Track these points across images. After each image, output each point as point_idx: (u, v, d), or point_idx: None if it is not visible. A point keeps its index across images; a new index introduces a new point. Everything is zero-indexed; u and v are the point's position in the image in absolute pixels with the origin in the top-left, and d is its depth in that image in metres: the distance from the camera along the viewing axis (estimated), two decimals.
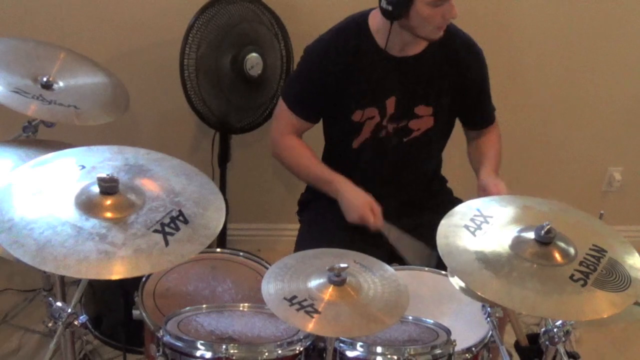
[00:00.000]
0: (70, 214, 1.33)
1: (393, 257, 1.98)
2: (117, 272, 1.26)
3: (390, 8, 1.81)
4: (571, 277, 1.37)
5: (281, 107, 2.06)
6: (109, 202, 1.36)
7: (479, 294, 1.36)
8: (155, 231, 1.34)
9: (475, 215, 1.52)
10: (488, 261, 1.40)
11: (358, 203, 1.91)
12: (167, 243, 1.32)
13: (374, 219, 1.90)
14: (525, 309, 1.33)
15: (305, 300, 1.39)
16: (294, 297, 1.40)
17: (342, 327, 1.37)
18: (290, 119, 2.03)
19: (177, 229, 1.36)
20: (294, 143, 2.05)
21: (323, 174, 2.01)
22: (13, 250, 1.26)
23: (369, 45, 1.94)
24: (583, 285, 1.35)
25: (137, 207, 1.38)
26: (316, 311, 1.36)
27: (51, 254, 1.25)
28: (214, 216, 1.42)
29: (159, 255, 1.30)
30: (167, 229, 1.35)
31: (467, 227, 1.49)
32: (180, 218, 1.38)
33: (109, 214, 1.34)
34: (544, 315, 1.44)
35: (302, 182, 2.15)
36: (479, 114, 2.12)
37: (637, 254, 1.46)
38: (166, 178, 1.48)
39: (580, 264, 1.40)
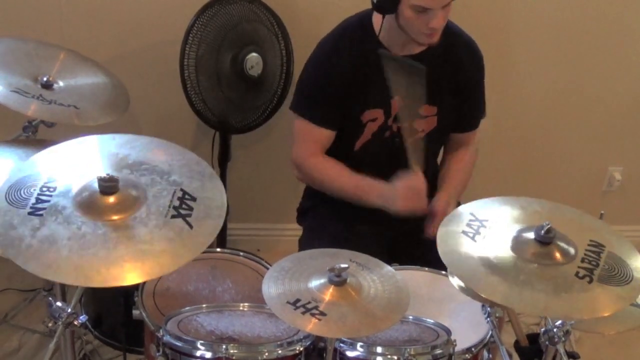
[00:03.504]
0: (84, 222, 1.33)
1: (392, 257, 1.98)
2: (164, 267, 1.29)
3: (376, 2, 1.83)
4: (576, 274, 1.37)
5: (299, 125, 2.00)
6: (110, 200, 1.36)
7: (491, 300, 1.36)
8: (173, 217, 1.36)
9: (470, 220, 1.52)
10: (493, 266, 1.40)
11: (400, 192, 1.87)
12: (190, 225, 1.34)
13: (421, 201, 1.86)
14: (538, 311, 1.33)
15: (309, 302, 1.39)
16: (297, 300, 1.40)
17: (350, 327, 1.37)
18: (312, 133, 1.98)
19: (191, 208, 1.38)
20: (321, 159, 2.00)
21: (360, 181, 1.95)
22: (52, 277, 1.25)
23: (372, 44, 1.94)
24: (589, 282, 1.36)
25: (141, 198, 1.38)
26: (322, 313, 1.36)
27: (92, 270, 1.25)
28: (213, 185, 1.45)
29: (189, 238, 1.33)
30: (182, 212, 1.36)
31: (465, 232, 1.48)
32: (187, 197, 1.40)
33: (117, 215, 1.34)
34: (558, 317, 1.44)
35: (337, 197, 2.03)
36: (465, 118, 2.10)
37: (633, 247, 1.47)
38: (147, 159, 1.48)
39: (582, 260, 1.41)
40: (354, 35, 1.95)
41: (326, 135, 2.00)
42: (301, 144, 2.03)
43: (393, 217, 1.94)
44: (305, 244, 2.09)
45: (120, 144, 1.51)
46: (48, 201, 1.36)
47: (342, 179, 1.98)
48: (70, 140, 1.52)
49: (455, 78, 1.99)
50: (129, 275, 1.27)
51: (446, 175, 2.08)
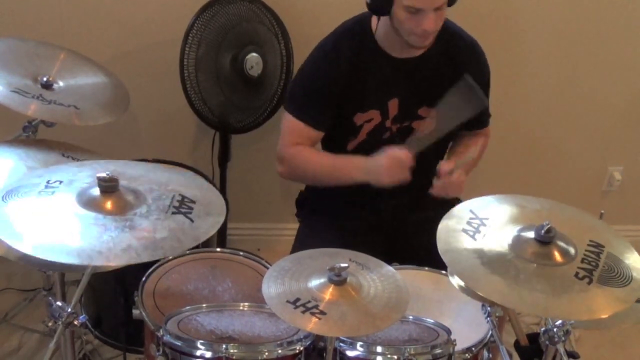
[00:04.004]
0: (85, 214, 1.35)
1: (392, 257, 1.98)
2: (167, 250, 1.33)
3: (369, 2, 1.83)
4: (576, 275, 1.37)
5: (288, 122, 1.99)
6: (109, 201, 1.38)
7: (491, 299, 1.36)
8: (174, 213, 1.39)
9: (471, 218, 1.52)
10: (493, 265, 1.40)
11: (385, 163, 1.85)
12: (191, 220, 1.38)
13: (407, 165, 1.84)
14: (539, 311, 1.33)
15: (309, 302, 1.39)
16: (297, 299, 1.40)
17: (350, 326, 1.37)
18: (301, 131, 1.97)
19: (191, 208, 1.41)
20: (301, 147, 1.99)
21: (339, 159, 1.95)
22: (56, 258, 1.26)
23: (371, 46, 1.94)
24: (589, 283, 1.36)
25: (141, 199, 1.41)
26: (322, 312, 1.36)
27: (94, 250, 1.28)
28: (213, 194, 1.49)
29: (191, 230, 1.36)
30: (183, 210, 1.40)
31: (465, 231, 1.48)
32: (186, 200, 1.43)
33: (118, 211, 1.37)
34: (558, 317, 1.44)
35: (321, 183, 2.04)
36: (474, 118, 2.10)
37: (632, 249, 1.47)
38: (146, 175, 1.51)
39: (582, 261, 1.41)
40: (352, 38, 1.95)
41: (311, 134, 1.99)
42: (287, 138, 2.01)
43: (391, 212, 1.94)
44: (301, 237, 2.09)
45: (117, 165, 1.54)
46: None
47: (321, 160, 1.98)
48: (70, 164, 1.56)
49: (457, 80, 1.98)
50: (131, 255, 1.29)
51: (454, 147, 2.07)
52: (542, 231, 1.41)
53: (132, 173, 1.50)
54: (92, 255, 1.27)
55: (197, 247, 1.46)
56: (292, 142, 2.00)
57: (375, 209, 2.04)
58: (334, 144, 2.03)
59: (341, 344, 1.52)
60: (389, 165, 1.84)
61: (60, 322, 1.44)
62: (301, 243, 1.98)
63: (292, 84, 2.07)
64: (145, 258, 1.29)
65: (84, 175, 1.47)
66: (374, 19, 1.94)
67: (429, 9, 1.77)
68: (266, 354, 1.49)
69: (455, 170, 1.87)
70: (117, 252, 1.28)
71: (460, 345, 1.56)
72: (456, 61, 1.97)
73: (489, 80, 2.07)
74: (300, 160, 2.00)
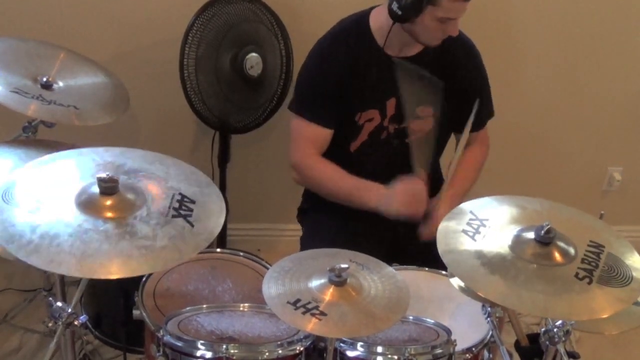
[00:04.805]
0: (85, 220, 1.33)
1: (392, 258, 1.98)
2: (168, 261, 1.32)
3: (399, 12, 1.83)
4: (576, 275, 1.37)
5: (297, 124, 2.00)
6: (109, 202, 1.36)
7: (490, 299, 1.36)
8: (174, 216, 1.37)
9: (470, 219, 1.52)
10: (493, 266, 1.40)
11: (399, 197, 1.88)
12: (192, 225, 1.37)
13: (419, 207, 1.88)
14: (538, 311, 1.33)
15: (309, 303, 1.39)
16: (298, 300, 1.39)
17: (350, 327, 1.37)
18: (310, 132, 1.98)
19: (190, 209, 1.40)
20: (318, 159, 1.99)
21: (358, 182, 1.95)
22: (54, 269, 1.25)
23: (369, 45, 1.94)
24: (589, 284, 1.36)
25: (141, 200, 1.39)
26: (322, 313, 1.36)
27: (95, 262, 1.26)
28: (211, 191, 1.48)
29: (192, 236, 1.35)
30: (182, 212, 1.39)
31: (465, 232, 1.48)
32: (186, 199, 1.42)
33: (118, 214, 1.35)
34: (558, 318, 1.44)
35: (333, 199, 2.01)
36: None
37: (633, 249, 1.47)
38: (143, 167, 1.49)
39: (582, 261, 1.41)
40: (350, 35, 1.96)
41: (322, 134, 1.99)
42: (298, 144, 2.02)
43: (392, 220, 1.94)
44: (305, 243, 2.09)
45: (115, 154, 1.52)
46: (47, 202, 1.36)
47: (339, 179, 1.97)
48: (68, 151, 1.52)
49: (452, 79, 1.99)
50: (133, 267, 1.28)
51: (451, 178, 2.07)
52: (542, 232, 1.41)
53: (132, 165, 1.48)
54: (94, 268, 1.26)
55: None
56: (306, 149, 1.99)
57: (376, 213, 2.04)
58: (337, 145, 2.03)
59: (341, 344, 1.52)
60: (403, 198, 1.86)
61: (60, 323, 1.43)
62: (304, 248, 1.98)
63: (295, 86, 2.08)
64: (146, 270, 1.29)
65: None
66: (372, 17, 1.95)
67: (460, 17, 1.84)
68: (266, 354, 1.49)
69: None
70: (118, 263, 1.27)
71: (460, 346, 1.56)
72: (451, 61, 1.99)
73: (487, 81, 2.07)
74: (316, 174, 2.01)
